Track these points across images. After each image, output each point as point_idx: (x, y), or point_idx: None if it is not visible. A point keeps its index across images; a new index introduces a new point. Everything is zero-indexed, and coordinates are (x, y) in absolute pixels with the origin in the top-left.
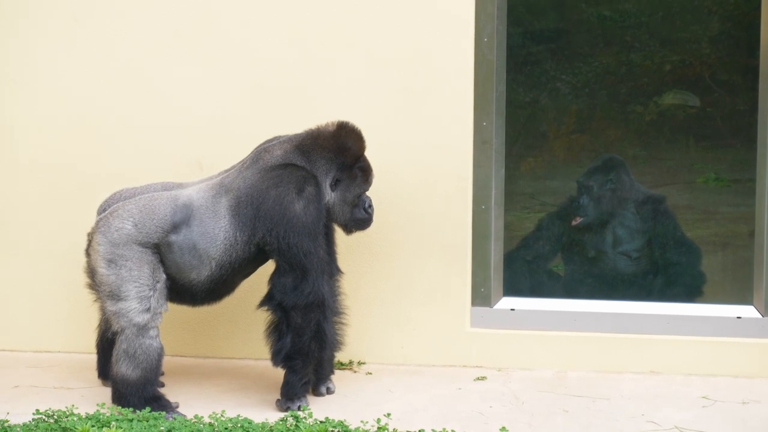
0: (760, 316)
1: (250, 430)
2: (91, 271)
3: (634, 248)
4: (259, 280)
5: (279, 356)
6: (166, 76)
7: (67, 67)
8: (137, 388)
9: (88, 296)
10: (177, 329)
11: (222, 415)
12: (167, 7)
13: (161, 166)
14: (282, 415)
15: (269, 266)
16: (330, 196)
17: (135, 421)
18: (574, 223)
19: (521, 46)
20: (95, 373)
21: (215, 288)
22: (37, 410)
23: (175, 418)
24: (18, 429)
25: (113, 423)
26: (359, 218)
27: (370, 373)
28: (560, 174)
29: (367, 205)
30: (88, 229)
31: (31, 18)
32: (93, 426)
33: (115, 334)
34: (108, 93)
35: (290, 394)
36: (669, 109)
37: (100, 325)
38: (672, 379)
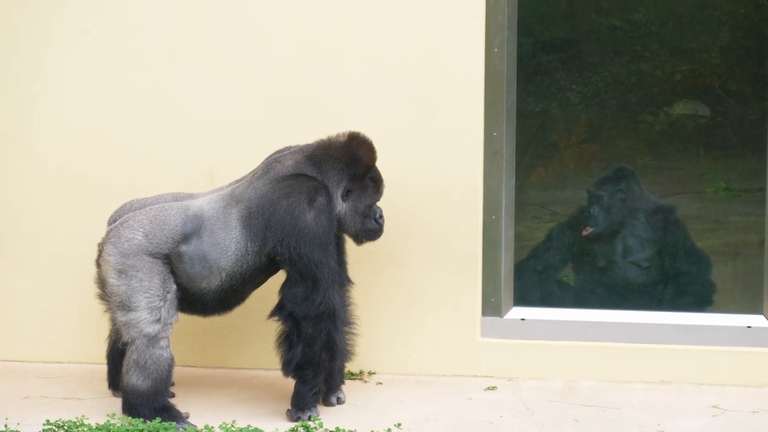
0: None
1: None
2: (102, 282)
3: (645, 258)
4: (269, 290)
5: (289, 366)
6: (177, 86)
7: (78, 78)
8: (148, 399)
9: (99, 307)
10: (187, 339)
11: (232, 425)
12: (179, 18)
13: (172, 175)
14: (292, 425)
15: (280, 276)
16: (341, 206)
17: (145, 431)
18: (584, 233)
19: (532, 56)
20: (105, 384)
21: (226, 298)
22: (48, 421)
23: (185, 429)
24: None
25: None
26: (370, 229)
27: (381, 383)
28: (570, 184)
29: (378, 216)
30: (99, 240)
31: (43, 30)
32: None
33: (125, 344)
34: (119, 103)
35: (301, 404)
36: (679, 119)
37: (110, 336)
38: (682, 388)
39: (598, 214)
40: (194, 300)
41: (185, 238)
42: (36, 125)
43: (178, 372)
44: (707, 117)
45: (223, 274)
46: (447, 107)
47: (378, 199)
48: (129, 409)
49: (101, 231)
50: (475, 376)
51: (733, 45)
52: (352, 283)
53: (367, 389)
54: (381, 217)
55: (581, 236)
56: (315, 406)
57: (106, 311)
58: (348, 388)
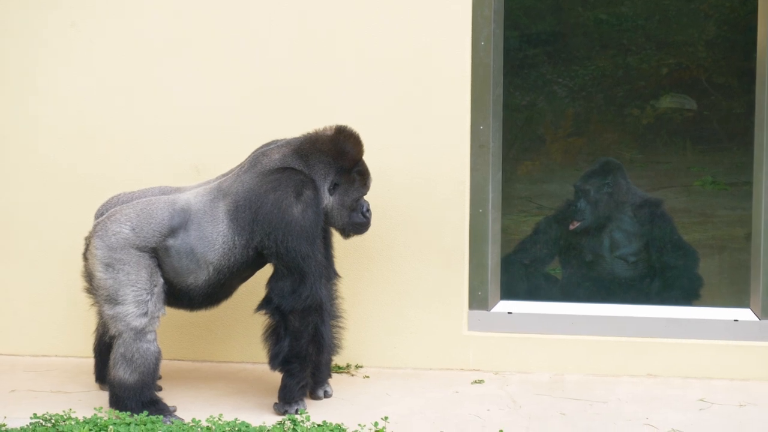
0: (757, 319)
1: None
2: (89, 275)
3: (632, 252)
4: (256, 284)
5: (277, 360)
6: (164, 80)
7: (65, 72)
8: (135, 392)
9: (86, 300)
10: (174, 333)
11: (219, 419)
12: (165, 12)
13: (159, 169)
14: (279, 418)
15: (267, 270)
16: (328, 200)
17: (132, 425)
18: (571, 227)
19: (518, 50)
20: (92, 377)
21: (213, 292)
22: (35, 414)
23: (172, 422)
24: None
25: (111, 427)
26: (357, 222)
27: (368, 377)
28: (557, 177)
29: (365, 209)
30: (86, 233)
31: (30, 24)
32: (90, 430)
33: (112, 338)
34: (106, 97)
35: (288, 398)
36: (666, 113)
37: (97, 329)
38: (669, 382)
39: (585, 208)
40: (181, 294)
41: (172, 231)
42: (23, 118)
43: (165, 365)
44: (694, 110)
45: (210, 268)
46: (434, 101)
47: (365, 193)
48: (116, 402)
49: (88, 224)
50: (462, 369)
51: (720, 38)
52: (339, 276)
53: (354, 383)
54: (368, 210)
55: (568, 230)
56: (302, 400)
57: (93, 305)
58: (335, 381)
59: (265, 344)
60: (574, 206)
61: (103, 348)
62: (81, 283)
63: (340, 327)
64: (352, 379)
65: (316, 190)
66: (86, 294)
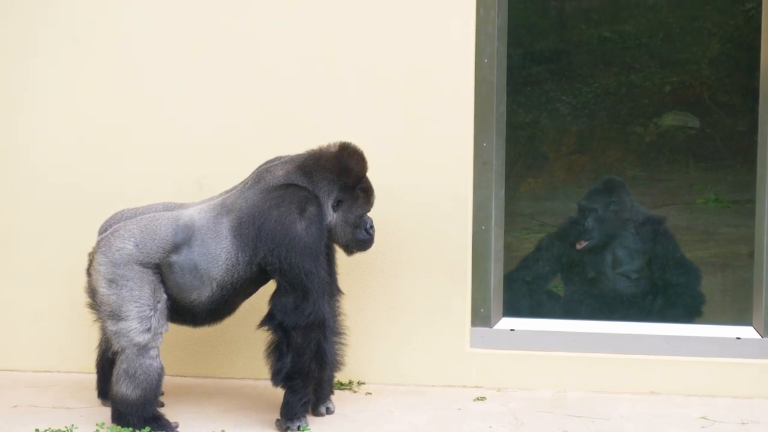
0: (760, 337)
1: None
2: (92, 291)
3: (634, 269)
4: (259, 300)
5: (279, 376)
6: (167, 96)
7: (69, 88)
8: (137, 408)
9: (88, 316)
10: (177, 349)
11: None
12: (168, 27)
13: (162, 185)
14: None
15: (270, 286)
16: (332, 216)
17: None
18: (579, 246)
19: (521, 67)
20: (95, 393)
21: (216, 308)
22: (37, 430)
23: None
24: None
25: None
26: (361, 239)
27: (370, 394)
28: (560, 195)
29: (368, 226)
30: (89, 249)
31: (33, 39)
32: None
33: (115, 353)
34: (108, 112)
35: (290, 414)
36: (669, 130)
37: (100, 345)
38: (671, 399)
39: (593, 227)
40: (184, 310)
41: (176, 247)
42: (26, 134)
43: (167, 381)
44: (697, 128)
45: (214, 284)
46: (437, 117)
47: (369, 210)
48: (118, 418)
49: (91, 240)
50: (464, 386)
51: (723, 56)
52: (342, 293)
53: (356, 399)
54: (371, 227)
55: (575, 249)
56: (304, 416)
57: (96, 320)
58: (337, 398)
59: (268, 360)
60: (582, 226)
61: (106, 364)
62: (84, 298)
63: (342, 343)
64: (355, 395)
65: (319, 206)
66: (89, 310)
